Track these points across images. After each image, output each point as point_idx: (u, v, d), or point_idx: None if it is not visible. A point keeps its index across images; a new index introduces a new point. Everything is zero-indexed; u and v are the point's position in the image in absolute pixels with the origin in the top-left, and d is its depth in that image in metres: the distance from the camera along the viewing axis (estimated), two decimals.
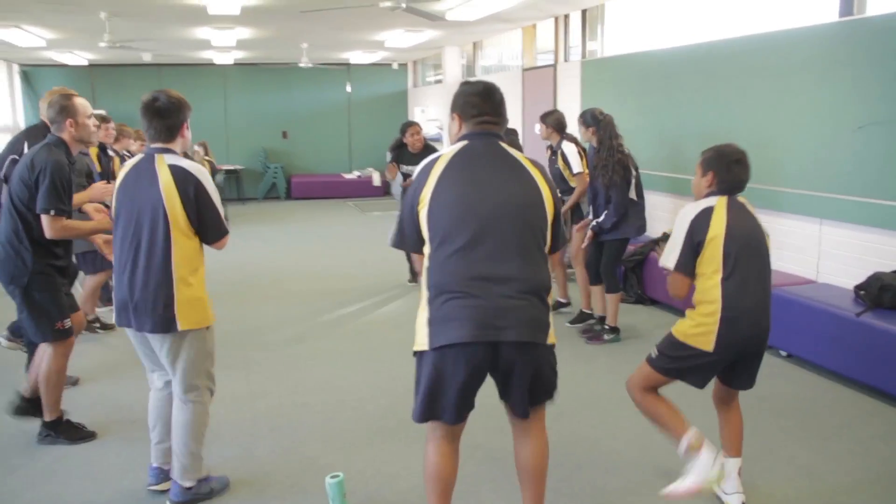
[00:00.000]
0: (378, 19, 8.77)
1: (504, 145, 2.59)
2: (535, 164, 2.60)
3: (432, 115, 12.88)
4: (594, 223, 5.33)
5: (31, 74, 14.05)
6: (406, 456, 3.64)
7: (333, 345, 5.55)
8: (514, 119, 10.12)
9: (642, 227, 5.44)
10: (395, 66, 14.91)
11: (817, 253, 5.35)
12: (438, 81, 13.44)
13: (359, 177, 14.48)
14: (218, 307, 3.30)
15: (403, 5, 6.05)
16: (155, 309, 2.94)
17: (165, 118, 2.98)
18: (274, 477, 3.51)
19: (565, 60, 8.89)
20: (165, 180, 2.92)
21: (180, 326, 2.97)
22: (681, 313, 5.80)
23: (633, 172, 5.28)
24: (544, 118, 6.13)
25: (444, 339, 2.42)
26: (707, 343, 2.91)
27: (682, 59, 6.70)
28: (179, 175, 2.94)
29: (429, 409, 2.54)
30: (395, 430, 3.99)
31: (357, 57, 13.63)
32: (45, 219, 3.48)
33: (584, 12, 8.45)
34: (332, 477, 3.18)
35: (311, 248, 9.55)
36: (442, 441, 2.62)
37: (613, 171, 5.15)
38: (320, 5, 7.29)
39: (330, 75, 14.89)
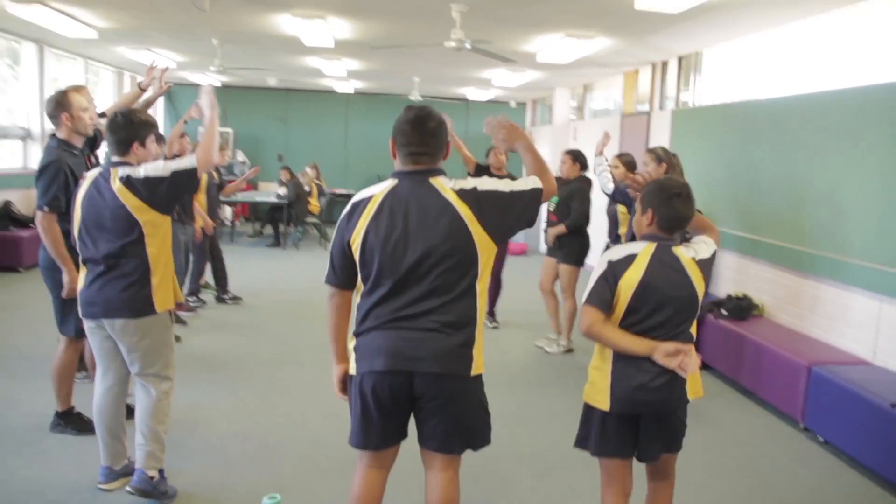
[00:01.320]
0: (478, 58, 8.89)
1: (434, 182, 2.51)
2: (467, 199, 2.49)
3: (543, 154, 12.83)
4: None
5: (172, 92, 15.20)
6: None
7: None
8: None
9: None
10: (512, 104, 15.01)
11: (875, 332, 4.91)
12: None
13: None
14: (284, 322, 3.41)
15: (468, 46, 6.10)
16: None
17: (116, 133, 3.26)
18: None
19: (660, 108, 8.66)
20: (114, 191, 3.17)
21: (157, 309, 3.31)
22: (732, 382, 5.53)
23: None
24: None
25: (366, 366, 2.51)
26: (603, 400, 2.70)
27: (757, 112, 6.40)
28: (121, 178, 3.19)
29: (358, 435, 2.60)
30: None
31: (473, 93, 13.84)
32: (37, 214, 3.78)
33: (680, 60, 8.22)
34: (270, 498, 3.22)
35: None
36: (367, 469, 2.65)
37: None
38: (390, 44, 7.55)
39: (448, 109, 15.10)
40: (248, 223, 14.56)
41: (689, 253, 2.73)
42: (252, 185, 14.45)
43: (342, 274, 2.58)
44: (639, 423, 2.75)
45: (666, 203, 2.71)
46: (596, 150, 5.48)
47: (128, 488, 3.35)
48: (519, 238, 11.87)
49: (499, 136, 2.83)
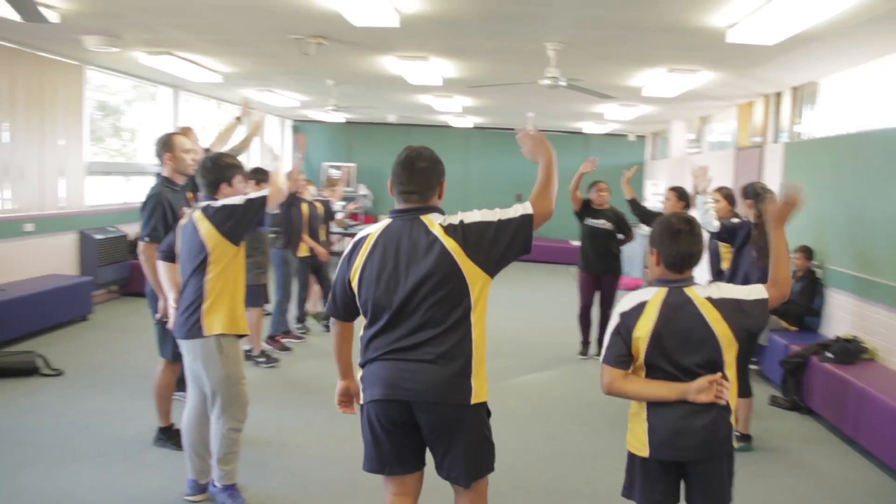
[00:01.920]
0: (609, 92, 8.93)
1: (423, 219, 2.61)
2: (453, 233, 2.57)
3: (660, 189, 12.61)
4: None
5: (301, 128, 16.02)
6: None
7: None
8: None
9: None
10: (631, 137, 14.84)
11: None
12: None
13: None
14: None
15: (563, 83, 6.16)
16: None
17: (205, 176, 3.61)
18: None
19: (774, 141, 8.36)
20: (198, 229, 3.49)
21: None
22: (835, 429, 5.24)
23: None
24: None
25: (369, 395, 2.67)
26: (642, 446, 2.65)
27: (873, 144, 6.09)
28: (205, 211, 3.51)
29: (371, 460, 2.75)
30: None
31: (589, 127, 13.80)
32: (139, 244, 4.15)
33: (794, 91, 7.93)
34: None
35: (508, 309, 9.73)
36: (392, 497, 2.79)
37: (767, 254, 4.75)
38: (486, 83, 7.72)
39: (566, 143, 15.18)
40: None
41: (703, 293, 2.61)
42: (373, 218, 14.93)
43: (342, 307, 2.77)
44: (684, 470, 2.69)
45: (671, 241, 2.63)
46: (694, 187, 5.37)
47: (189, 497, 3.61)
48: (634, 272, 11.66)
49: (525, 147, 2.87)
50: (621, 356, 2.62)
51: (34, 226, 7.50)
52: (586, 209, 7.05)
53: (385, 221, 2.71)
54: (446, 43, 6.37)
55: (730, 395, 2.61)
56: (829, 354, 5.73)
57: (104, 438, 4.60)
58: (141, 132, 11.04)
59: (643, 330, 2.57)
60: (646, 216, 6.78)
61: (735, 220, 5.24)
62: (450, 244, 2.56)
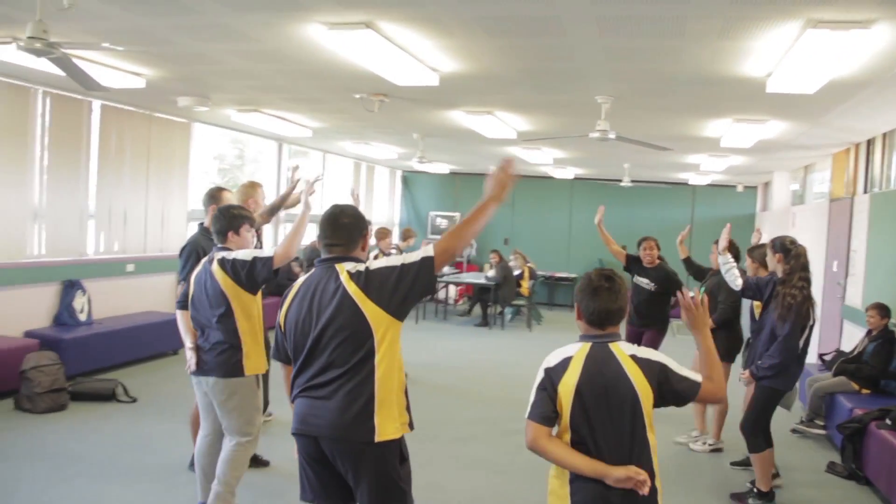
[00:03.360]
0: (678, 143, 8.89)
1: (337, 267, 2.81)
2: (356, 279, 2.74)
3: (764, 239, 12.12)
4: (752, 366, 4.86)
5: (410, 179, 16.60)
6: None
7: (465, 449, 5.79)
8: (816, 253, 9.24)
9: (796, 380, 4.81)
10: (739, 188, 14.38)
11: None
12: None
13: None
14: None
15: (612, 136, 6.21)
16: None
17: (215, 224, 3.97)
18: None
19: (864, 192, 7.96)
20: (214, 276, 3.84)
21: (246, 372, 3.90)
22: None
23: (811, 321, 4.71)
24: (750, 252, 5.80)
25: (293, 428, 2.89)
26: None
27: None
28: (220, 262, 3.84)
29: (302, 489, 2.96)
30: None
31: (694, 178, 13.52)
32: (178, 287, 4.57)
33: (884, 137, 7.55)
34: None
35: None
36: None
37: (793, 311, 4.61)
38: (538, 137, 7.84)
39: (674, 195, 14.93)
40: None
41: (628, 350, 2.59)
42: (477, 266, 15.21)
43: (282, 350, 2.98)
44: None
45: (590, 297, 2.61)
46: (720, 245, 5.28)
47: None
48: None
49: (488, 184, 2.85)
50: (545, 413, 2.58)
51: (135, 266, 8.26)
52: (635, 265, 6.95)
53: (312, 270, 2.95)
54: (500, 98, 6.60)
55: (654, 460, 2.57)
56: (888, 421, 5.38)
57: (147, 460, 5.03)
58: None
59: (567, 385, 2.54)
60: (700, 273, 6.66)
61: (763, 276, 5.10)
62: (351, 288, 2.76)
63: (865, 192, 7.95)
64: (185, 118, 9.08)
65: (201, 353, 3.89)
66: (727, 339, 5.91)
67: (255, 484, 4.67)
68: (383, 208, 15.83)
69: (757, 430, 4.78)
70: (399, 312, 2.78)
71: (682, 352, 5.88)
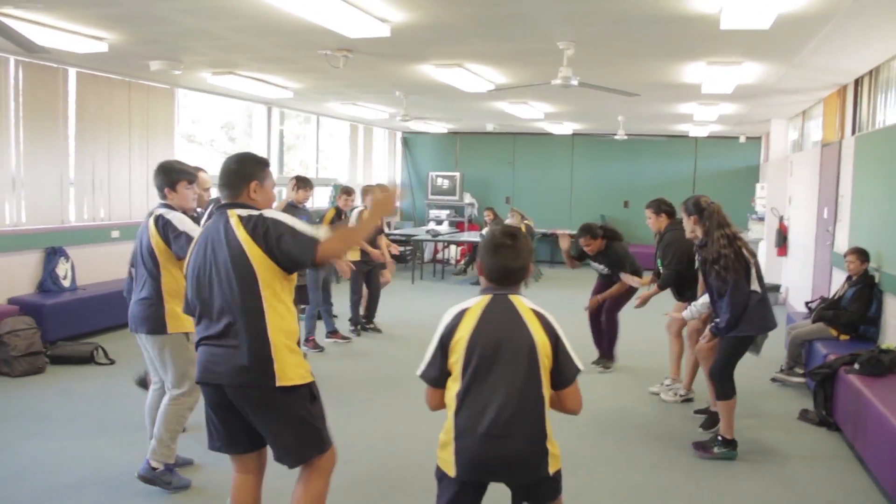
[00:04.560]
0: (667, 94, 8.76)
1: (230, 212, 2.85)
2: (247, 227, 2.77)
3: (764, 192, 11.94)
4: (711, 325, 4.79)
5: (410, 140, 16.53)
6: None
7: None
8: (809, 200, 9.08)
9: (766, 322, 4.68)
10: (741, 139, 14.11)
11: None
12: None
13: None
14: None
15: (574, 82, 6.10)
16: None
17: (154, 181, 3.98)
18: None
19: (852, 134, 7.77)
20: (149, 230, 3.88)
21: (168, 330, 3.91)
22: (854, 450, 4.87)
23: (752, 261, 4.62)
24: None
25: (196, 377, 2.94)
26: (449, 465, 2.54)
27: None
28: (155, 220, 3.87)
29: (210, 438, 3.00)
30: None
31: (694, 130, 13.31)
32: None
33: (871, 76, 7.34)
34: None
35: (569, 315, 9.61)
36: (236, 474, 3.06)
37: (723, 268, 4.54)
38: (506, 88, 7.81)
39: (675, 147, 14.70)
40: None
41: (529, 304, 2.59)
42: (479, 226, 15.15)
43: (190, 302, 2.97)
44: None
45: (492, 255, 2.61)
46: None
47: (136, 474, 3.94)
48: None
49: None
50: (436, 374, 2.58)
51: (120, 232, 8.33)
52: (586, 256, 6.88)
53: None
54: (462, 49, 6.50)
55: (546, 419, 2.54)
56: (856, 365, 5.31)
57: (112, 417, 5.14)
58: (251, 148, 11.93)
59: (460, 337, 2.53)
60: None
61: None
62: (240, 232, 2.79)
63: (853, 134, 7.77)
64: (166, 84, 9.08)
65: (131, 306, 3.94)
66: (680, 284, 5.83)
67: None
68: (382, 170, 15.79)
69: (724, 378, 4.74)
70: (281, 264, 2.79)
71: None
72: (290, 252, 2.74)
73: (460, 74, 7.58)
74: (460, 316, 2.58)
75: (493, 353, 2.49)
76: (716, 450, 4.77)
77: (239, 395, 2.80)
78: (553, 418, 2.57)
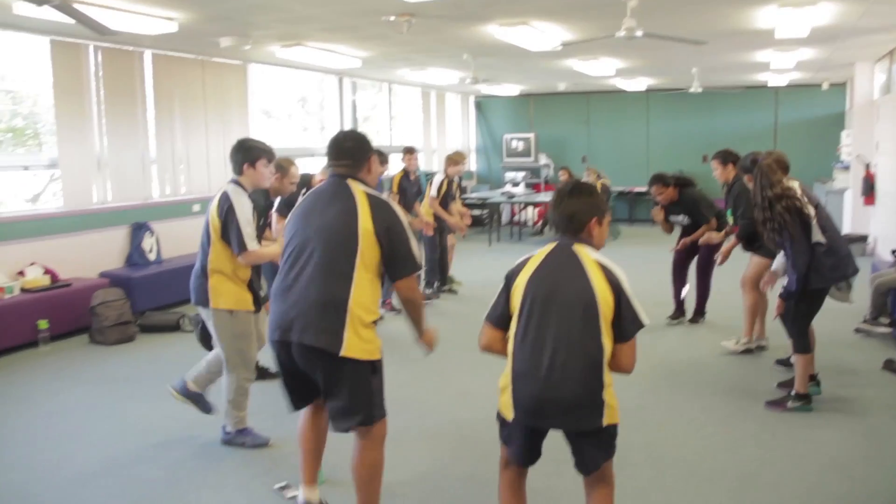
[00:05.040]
0: (740, 42, 8.49)
1: (351, 182, 3.01)
2: (371, 203, 2.93)
3: (850, 140, 11.42)
4: (782, 291, 4.64)
5: (483, 104, 16.46)
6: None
7: None
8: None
9: (838, 271, 4.49)
10: (825, 86, 13.50)
11: None
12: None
13: None
14: None
15: (639, 33, 5.97)
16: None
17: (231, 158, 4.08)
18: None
19: None
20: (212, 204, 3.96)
21: (211, 305, 3.95)
22: None
23: (811, 212, 4.45)
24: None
25: (269, 335, 3.06)
26: (507, 408, 2.62)
27: None
28: (220, 198, 3.96)
29: (286, 399, 3.19)
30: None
31: (773, 79, 12.81)
32: None
33: None
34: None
35: (644, 273, 9.50)
36: (304, 414, 3.29)
37: (773, 231, 4.40)
38: (572, 44, 7.74)
39: (754, 99, 14.19)
40: None
41: (593, 254, 2.60)
42: (552, 186, 15.04)
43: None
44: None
45: (555, 206, 2.68)
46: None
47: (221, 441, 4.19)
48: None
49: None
50: (499, 313, 2.69)
51: (200, 206, 8.65)
52: (666, 210, 6.76)
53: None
54: (523, 7, 6.44)
55: (605, 370, 2.54)
56: None
57: None
58: (324, 121, 12.16)
59: (521, 280, 2.62)
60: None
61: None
62: (361, 204, 2.94)
63: None
64: (237, 60, 9.31)
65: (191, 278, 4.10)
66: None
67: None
68: (456, 135, 15.82)
69: (801, 333, 4.62)
70: (385, 260, 2.95)
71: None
72: (396, 259, 2.94)
73: (525, 32, 7.51)
74: (526, 260, 2.67)
75: (548, 299, 2.54)
76: (789, 404, 4.68)
77: (308, 355, 2.91)
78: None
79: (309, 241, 2.93)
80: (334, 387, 2.91)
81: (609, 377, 2.56)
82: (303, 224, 3.00)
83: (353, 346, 2.85)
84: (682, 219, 6.76)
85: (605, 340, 2.52)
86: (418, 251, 2.98)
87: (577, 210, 2.63)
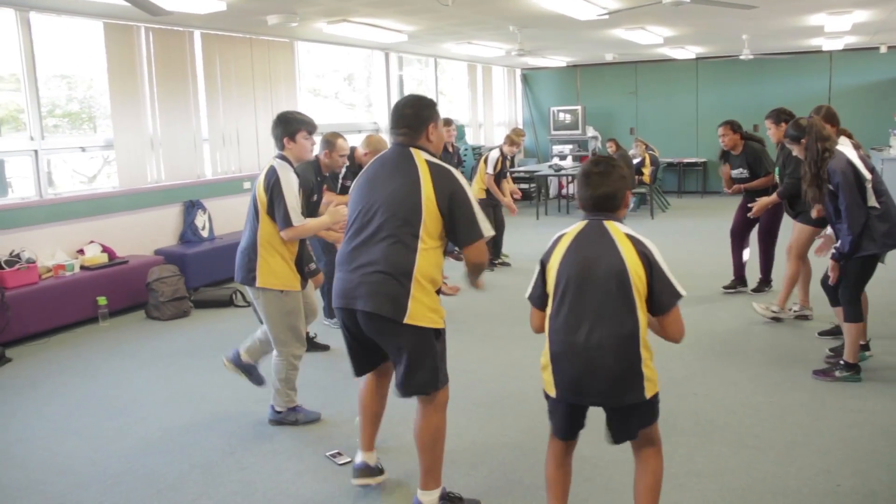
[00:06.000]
0: (784, 4, 8.28)
1: (414, 151, 3.04)
2: (433, 171, 2.96)
3: None
4: (834, 251, 4.57)
5: (529, 76, 16.32)
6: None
7: None
8: None
9: (893, 236, 4.40)
10: (882, 49, 13.04)
11: None
12: None
13: None
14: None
15: (687, 0, 5.88)
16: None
17: (272, 132, 4.11)
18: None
19: None
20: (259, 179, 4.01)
21: (258, 283, 4.01)
22: None
23: (868, 176, 4.36)
24: None
25: (334, 303, 3.14)
26: (550, 386, 2.66)
27: None
28: (267, 173, 3.99)
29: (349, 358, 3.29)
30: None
31: (827, 44, 12.44)
32: None
33: None
34: None
35: (695, 244, 9.42)
36: (366, 379, 3.36)
37: (841, 184, 4.30)
38: (616, 12, 7.63)
39: (808, 64, 13.80)
40: None
41: (623, 229, 2.59)
42: None
43: None
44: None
45: (583, 185, 2.64)
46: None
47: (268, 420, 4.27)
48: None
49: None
50: (538, 294, 2.72)
51: (250, 183, 8.79)
52: (725, 157, 6.73)
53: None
54: None
55: (641, 343, 2.54)
56: None
57: None
58: (369, 98, 12.23)
59: (555, 259, 2.63)
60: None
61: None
62: (423, 172, 2.97)
63: None
64: (285, 38, 9.41)
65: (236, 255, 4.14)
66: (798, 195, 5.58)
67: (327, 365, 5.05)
68: (503, 109, 15.75)
69: (853, 300, 4.54)
70: (447, 228, 2.98)
71: None
72: (460, 225, 2.96)
73: (571, 1, 7.44)
74: (557, 241, 2.68)
75: (582, 277, 2.55)
76: (837, 373, 4.62)
77: (373, 322, 2.97)
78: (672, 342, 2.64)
79: (373, 209, 2.98)
80: (400, 354, 2.97)
81: (648, 351, 2.56)
82: (368, 192, 3.05)
83: (417, 313, 2.91)
84: (740, 171, 6.67)
85: (640, 314, 2.52)
86: (485, 218, 2.99)
87: (616, 189, 2.61)
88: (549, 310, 2.64)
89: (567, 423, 2.71)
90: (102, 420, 4.43)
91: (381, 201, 2.98)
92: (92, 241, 6.96)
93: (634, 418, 2.61)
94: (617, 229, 2.58)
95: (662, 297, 2.53)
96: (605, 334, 2.50)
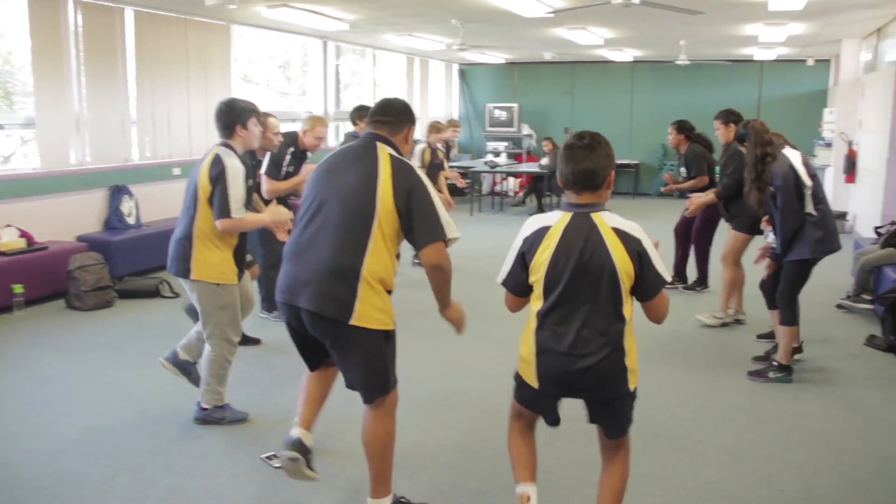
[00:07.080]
0: (729, 15, 8.41)
1: (380, 145, 2.89)
2: (394, 167, 2.81)
3: (833, 117, 11.42)
4: (772, 249, 4.66)
5: (467, 72, 16.28)
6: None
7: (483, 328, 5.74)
8: (881, 123, 8.67)
9: (827, 243, 4.48)
10: (810, 62, 13.47)
11: None
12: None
13: None
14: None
15: (636, 0, 5.89)
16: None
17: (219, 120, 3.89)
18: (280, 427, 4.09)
19: None
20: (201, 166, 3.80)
21: (192, 276, 3.82)
22: None
23: (808, 182, 4.43)
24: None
25: (277, 297, 2.98)
26: (531, 377, 2.60)
27: None
28: (213, 161, 3.78)
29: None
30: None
31: (759, 53, 12.77)
32: None
33: None
34: None
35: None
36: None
37: (777, 187, 4.41)
38: (564, 11, 7.61)
39: (739, 72, 14.15)
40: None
41: (610, 221, 2.50)
42: (537, 157, 14.97)
43: None
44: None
45: (565, 160, 2.52)
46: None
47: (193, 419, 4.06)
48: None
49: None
50: (519, 283, 2.63)
51: (181, 170, 8.47)
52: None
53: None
54: None
55: (626, 336, 2.53)
56: None
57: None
58: (307, 85, 11.94)
59: (542, 256, 2.52)
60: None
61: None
62: (384, 167, 2.81)
63: None
64: (222, 20, 9.09)
65: (170, 244, 3.93)
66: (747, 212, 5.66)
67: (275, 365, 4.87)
68: (439, 103, 15.66)
69: (789, 303, 4.63)
70: (403, 226, 2.82)
71: None
72: (417, 224, 2.79)
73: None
74: (542, 233, 2.54)
75: (573, 275, 2.47)
76: (771, 374, 4.71)
77: (317, 322, 2.82)
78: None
79: (326, 202, 2.83)
80: (345, 356, 2.83)
81: (631, 343, 2.57)
82: (323, 183, 2.89)
83: (365, 314, 2.75)
84: (683, 171, 6.78)
85: (625, 311, 2.52)
86: (450, 220, 2.83)
87: (599, 166, 2.48)
88: (538, 306, 2.56)
89: (556, 412, 2.71)
90: (17, 419, 4.13)
91: (334, 194, 2.82)
92: (8, 225, 6.55)
93: (620, 409, 2.63)
94: (604, 223, 2.48)
95: (650, 284, 2.53)
96: (594, 332, 2.48)
